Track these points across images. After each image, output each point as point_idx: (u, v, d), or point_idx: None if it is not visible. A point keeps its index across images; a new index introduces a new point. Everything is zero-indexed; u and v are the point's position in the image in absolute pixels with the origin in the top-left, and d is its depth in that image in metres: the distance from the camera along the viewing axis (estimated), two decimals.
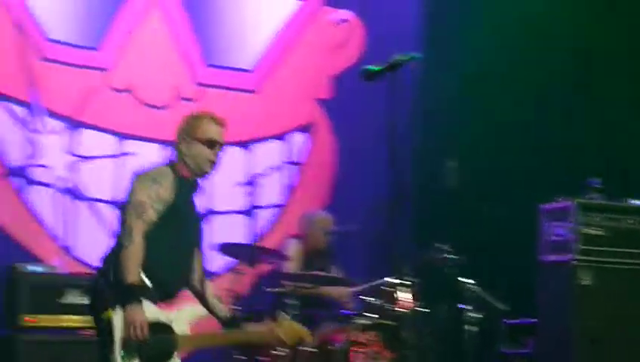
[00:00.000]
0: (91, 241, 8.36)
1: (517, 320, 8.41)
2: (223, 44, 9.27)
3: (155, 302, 5.01)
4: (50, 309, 6.99)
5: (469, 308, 7.99)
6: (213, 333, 5.46)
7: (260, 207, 7.90)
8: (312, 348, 7.38)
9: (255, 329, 5.38)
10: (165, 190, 5.04)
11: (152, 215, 4.97)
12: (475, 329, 7.96)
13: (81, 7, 8.58)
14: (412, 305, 7.61)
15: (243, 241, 8.05)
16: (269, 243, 8.70)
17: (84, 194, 8.44)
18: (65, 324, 7.02)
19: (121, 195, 8.34)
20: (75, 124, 8.45)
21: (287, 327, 5.28)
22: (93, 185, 8.50)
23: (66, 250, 8.29)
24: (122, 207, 5.12)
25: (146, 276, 4.97)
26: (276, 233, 9.03)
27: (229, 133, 8.91)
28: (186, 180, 5.23)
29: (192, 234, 5.34)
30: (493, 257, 8.35)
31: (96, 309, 4.96)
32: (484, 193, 8.72)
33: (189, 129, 5.29)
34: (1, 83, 8.14)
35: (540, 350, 8.01)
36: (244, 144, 9.16)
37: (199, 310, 5.33)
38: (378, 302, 7.62)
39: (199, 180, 5.33)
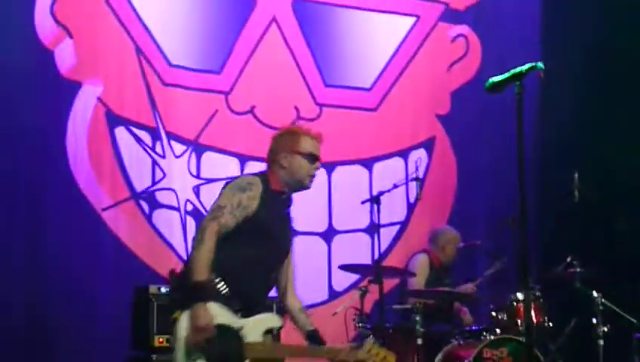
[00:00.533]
0: None
1: None
2: (341, 64, 9.32)
3: (234, 310, 5.01)
4: None
5: (599, 321, 7.87)
6: (287, 346, 5.47)
7: (383, 225, 7.86)
8: None
9: (335, 348, 5.30)
10: (249, 199, 5.05)
11: (228, 220, 4.97)
12: (603, 343, 7.83)
13: (201, 31, 8.72)
14: (540, 320, 7.55)
15: (364, 260, 8.07)
16: (391, 260, 8.72)
17: None
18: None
19: None
20: (198, 148, 8.58)
21: (370, 351, 5.16)
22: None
23: None
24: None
25: (225, 284, 5.00)
26: (398, 250, 9.02)
27: (351, 151, 9.07)
28: (277, 194, 5.25)
29: (280, 248, 5.33)
30: (623, 270, 8.19)
31: (170, 311, 4.98)
32: (613, 205, 8.56)
33: (290, 143, 5.29)
34: (126, 108, 8.32)
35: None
36: (365, 162, 9.19)
37: (274, 321, 5.27)
38: (505, 317, 7.58)
39: (292, 195, 5.36)
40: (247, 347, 5.03)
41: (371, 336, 5.77)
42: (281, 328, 5.33)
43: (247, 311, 5.09)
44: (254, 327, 5.09)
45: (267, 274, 5.26)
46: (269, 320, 5.23)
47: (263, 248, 5.14)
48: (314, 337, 5.32)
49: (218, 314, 4.91)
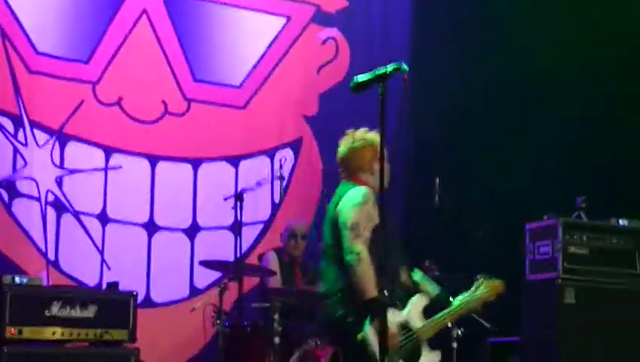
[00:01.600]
0: (77, 255, 8.39)
1: (500, 339, 8.42)
2: (211, 60, 9.29)
3: (396, 307, 5.44)
4: (34, 321, 6.94)
5: (453, 325, 8.02)
6: (441, 316, 5.74)
7: (246, 223, 7.88)
8: None
9: (469, 298, 5.86)
10: (372, 208, 5.35)
11: (367, 234, 5.29)
12: (456, 346, 7.98)
13: (70, 20, 8.59)
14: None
15: (228, 257, 8.06)
16: (254, 259, 8.72)
17: (71, 207, 8.42)
18: (49, 336, 6.96)
19: (109, 209, 8.51)
20: (62, 137, 8.45)
21: (489, 284, 5.83)
22: (80, 198, 8.48)
23: (52, 263, 8.28)
24: (333, 231, 5.46)
25: None
26: (261, 249, 9.03)
27: (218, 148, 9.05)
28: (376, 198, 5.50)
29: (394, 241, 5.54)
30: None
31: (342, 338, 5.41)
32: (473, 211, 8.72)
33: (374, 150, 5.56)
34: None
35: None
36: (231, 160, 9.17)
37: (419, 299, 5.66)
38: None
39: None
40: (421, 333, 5.51)
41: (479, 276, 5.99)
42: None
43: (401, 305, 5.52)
44: (415, 313, 5.53)
45: (396, 266, 5.59)
46: (418, 302, 5.64)
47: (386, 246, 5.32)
48: (445, 297, 5.83)
49: (390, 316, 5.07)
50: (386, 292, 4.95)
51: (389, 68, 4.44)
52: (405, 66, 4.42)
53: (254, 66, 9.46)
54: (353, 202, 5.40)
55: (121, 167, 8.65)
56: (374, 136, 5.66)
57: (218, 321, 7.42)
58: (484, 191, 9.24)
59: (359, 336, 5.17)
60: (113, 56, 8.72)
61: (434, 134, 9.63)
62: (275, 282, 8.04)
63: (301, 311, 8.03)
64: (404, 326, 5.42)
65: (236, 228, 7.53)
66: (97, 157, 8.61)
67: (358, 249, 5.23)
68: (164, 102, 8.91)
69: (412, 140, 9.52)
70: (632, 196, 8.53)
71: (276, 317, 7.42)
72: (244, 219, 7.60)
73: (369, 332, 5.15)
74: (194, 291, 8.81)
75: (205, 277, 8.65)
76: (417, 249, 9.02)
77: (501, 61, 9.41)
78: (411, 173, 9.57)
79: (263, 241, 9.20)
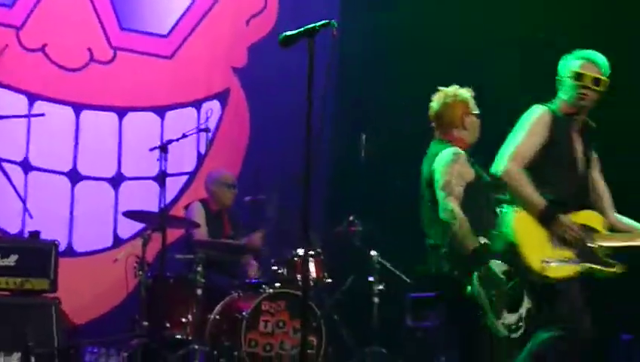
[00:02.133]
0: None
1: (420, 294, 8.52)
2: (139, 8, 9.18)
3: None
4: None
5: (375, 279, 8.11)
6: None
7: (171, 174, 7.84)
8: (218, 315, 7.43)
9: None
10: (463, 166, 5.58)
11: (458, 190, 5.49)
12: (378, 300, 8.07)
13: None
14: (320, 275, 7.71)
15: (152, 208, 8.02)
16: (178, 210, 8.69)
17: None
18: None
19: (32, 157, 8.41)
20: None
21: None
22: (2, 145, 8.38)
23: None
24: (430, 190, 5.61)
25: None
26: (186, 200, 8.99)
27: (144, 98, 8.97)
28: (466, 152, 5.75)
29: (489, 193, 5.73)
30: (400, 231, 8.39)
31: (450, 292, 5.52)
32: (398, 166, 8.77)
33: (466, 106, 5.80)
34: None
35: (442, 323, 8.13)
36: (157, 110, 9.10)
37: None
38: (285, 271, 7.69)
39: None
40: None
41: None
42: None
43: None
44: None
45: (492, 219, 5.70)
46: None
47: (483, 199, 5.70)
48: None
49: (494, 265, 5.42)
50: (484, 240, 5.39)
51: (319, 24, 4.45)
52: (334, 22, 4.42)
53: (182, 16, 9.37)
54: (444, 161, 5.58)
55: (44, 114, 8.52)
56: (465, 92, 5.87)
57: (140, 272, 7.41)
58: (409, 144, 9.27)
59: (468, 289, 5.33)
60: (38, 1, 8.57)
61: (362, 88, 9.62)
62: (201, 234, 8.02)
63: (225, 263, 8.05)
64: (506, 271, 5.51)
65: (161, 178, 7.50)
66: (20, 103, 8.48)
67: (451, 206, 5.42)
68: (89, 49, 8.80)
69: (339, 95, 9.51)
70: None
71: (199, 269, 7.43)
72: (169, 170, 7.56)
73: (477, 285, 5.31)
74: (117, 241, 8.77)
75: (129, 227, 8.60)
76: (342, 204, 9.13)
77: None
78: (337, 129, 9.56)
79: (187, 192, 9.17)
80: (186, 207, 8.37)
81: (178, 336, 7.43)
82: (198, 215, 8.13)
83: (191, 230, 8.05)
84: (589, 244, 5.46)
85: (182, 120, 9.06)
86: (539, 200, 5.44)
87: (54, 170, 8.59)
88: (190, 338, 7.38)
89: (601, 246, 5.51)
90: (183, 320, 7.44)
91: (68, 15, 8.69)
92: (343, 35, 7.82)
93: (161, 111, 9.14)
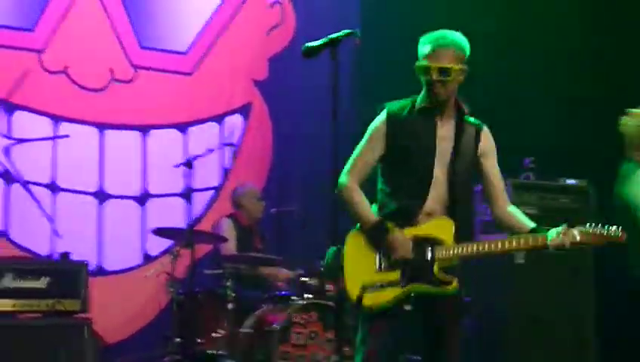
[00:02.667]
0: (28, 225, 8.33)
1: None
2: (158, 26, 9.22)
3: None
4: None
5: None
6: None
7: (197, 190, 7.86)
8: (250, 328, 7.44)
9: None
10: None
11: None
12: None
13: None
14: None
15: (179, 224, 8.04)
16: (205, 225, 8.71)
17: (20, 177, 8.35)
18: (1, 308, 6.92)
19: (59, 178, 8.45)
20: (9, 107, 8.37)
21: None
22: (29, 168, 8.42)
23: (3, 234, 8.23)
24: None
25: None
26: (212, 215, 9.02)
27: (166, 115, 9.00)
28: None
29: None
30: None
31: None
32: None
33: None
34: None
35: (473, 328, 8.09)
36: (180, 126, 9.13)
37: None
38: (317, 283, 7.69)
39: None
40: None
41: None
42: None
43: None
44: None
45: None
46: None
47: None
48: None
49: None
50: None
51: (342, 33, 4.45)
52: (357, 32, 4.42)
53: (200, 32, 9.41)
54: None
55: (68, 135, 8.58)
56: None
57: (171, 289, 7.43)
58: None
59: None
60: (59, 24, 8.63)
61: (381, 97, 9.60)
62: (228, 248, 8.03)
63: (254, 276, 8.05)
64: None
65: (187, 194, 7.52)
66: (45, 126, 8.54)
67: None
68: (110, 69, 8.85)
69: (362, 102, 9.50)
70: (578, 156, 8.61)
71: (229, 283, 7.44)
72: (194, 186, 7.58)
73: None
74: (147, 258, 8.80)
75: (158, 244, 8.63)
76: None
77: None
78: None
79: (214, 207, 9.19)
80: (214, 225, 8.37)
81: (210, 352, 7.44)
82: (228, 231, 8.14)
83: (218, 245, 8.07)
84: (418, 260, 4.83)
85: (204, 135, 9.10)
86: (367, 217, 4.94)
87: (81, 190, 8.64)
88: (222, 353, 7.40)
89: (440, 260, 4.83)
90: (215, 335, 7.46)
91: (88, 36, 8.74)
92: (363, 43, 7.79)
93: (183, 127, 9.18)
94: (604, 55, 8.94)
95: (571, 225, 4.77)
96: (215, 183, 9.26)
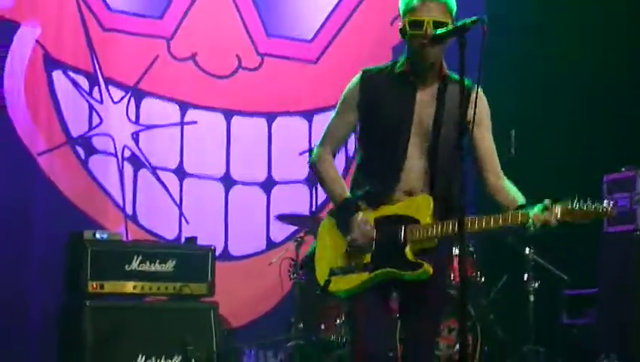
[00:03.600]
0: (155, 209, 8.48)
1: (577, 291, 8.37)
2: (283, 15, 9.28)
3: None
4: (115, 276, 7.05)
5: (530, 277, 7.98)
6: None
7: None
8: None
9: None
10: None
11: None
12: (533, 298, 7.94)
13: None
14: (473, 274, 7.63)
15: (304, 211, 8.08)
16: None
17: (148, 162, 8.51)
18: (129, 291, 7.07)
19: (186, 164, 8.58)
20: (137, 93, 8.52)
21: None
22: (157, 154, 8.57)
23: (131, 218, 8.39)
24: None
25: None
26: None
27: (291, 102, 9.05)
28: None
29: None
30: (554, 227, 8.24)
31: None
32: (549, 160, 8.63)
33: None
34: (64, 52, 8.21)
35: (601, 320, 7.97)
36: (305, 114, 9.18)
37: None
38: None
39: None
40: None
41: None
42: None
43: None
44: None
45: None
46: None
47: None
48: None
49: None
50: None
51: (469, 20, 4.35)
52: (485, 18, 4.31)
53: (326, 20, 9.43)
54: None
55: (196, 122, 8.71)
56: None
57: (295, 275, 7.48)
58: (558, 143, 9.13)
59: None
60: (187, 12, 8.74)
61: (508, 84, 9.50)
62: None
63: None
64: None
65: (311, 181, 7.53)
66: (173, 112, 8.68)
67: None
68: (237, 56, 8.93)
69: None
70: None
71: None
72: None
73: None
74: (270, 244, 8.87)
75: (282, 230, 8.70)
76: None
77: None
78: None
79: None
80: None
81: (332, 338, 7.46)
82: None
83: None
84: (389, 243, 4.47)
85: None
86: (338, 195, 4.61)
87: (208, 175, 8.76)
88: (345, 339, 7.41)
89: (413, 241, 4.44)
90: (337, 321, 7.47)
91: (216, 24, 8.83)
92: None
93: (308, 115, 9.21)
94: None
95: (555, 201, 4.36)
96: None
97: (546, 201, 4.38)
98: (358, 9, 9.53)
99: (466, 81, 4.35)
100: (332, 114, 4.77)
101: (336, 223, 4.61)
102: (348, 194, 4.60)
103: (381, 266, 4.48)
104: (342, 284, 4.54)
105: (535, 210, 4.36)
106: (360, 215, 4.50)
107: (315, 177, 4.74)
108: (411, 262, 4.45)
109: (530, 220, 4.34)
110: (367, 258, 4.50)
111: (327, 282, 4.55)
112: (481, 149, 4.61)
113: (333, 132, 4.72)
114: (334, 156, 4.73)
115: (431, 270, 4.44)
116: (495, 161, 4.61)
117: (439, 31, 4.47)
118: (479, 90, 4.47)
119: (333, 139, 4.71)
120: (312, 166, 4.73)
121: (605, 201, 4.43)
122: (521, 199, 4.52)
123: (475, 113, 4.34)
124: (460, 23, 4.36)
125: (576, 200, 4.37)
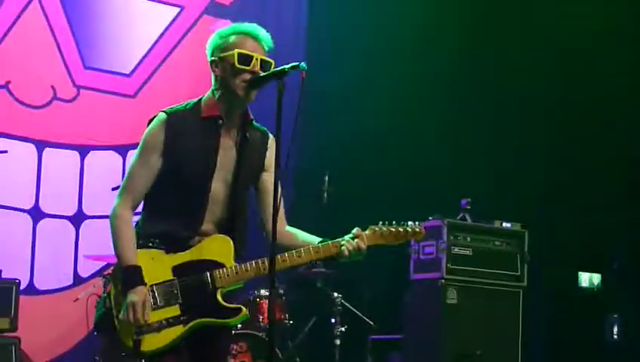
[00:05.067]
0: None
1: (383, 336, 8.53)
2: (102, 47, 9.17)
3: None
4: None
5: (337, 321, 8.10)
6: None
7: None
8: None
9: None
10: None
11: None
12: (339, 342, 8.06)
13: None
14: (281, 317, 7.69)
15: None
16: None
17: None
18: None
19: None
20: None
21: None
22: None
23: None
24: None
25: None
26: None
27: (106, 136, 8.94)
28: None
29: None
30: (362, 274, 8.40)
31: None
32: (360, 208, 8.80)
33: None
34: None
35: None
36: (119, 149, 9.07)
37: None
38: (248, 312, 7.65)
39: None
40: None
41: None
42: None
43: None
44: None
45: None
46: None
47: None
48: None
49: None
50: None
51: (288, 66, 4.41)
52: (304, 65, 4.37)
53: (145, 55, 9.37)
54: None
55: (6, 151, 8.48)
56: None
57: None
58: (372, 188, 9.31)
59: None
60: (2, 38, 8.55)
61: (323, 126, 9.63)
62: None
63: None
64: None
65: None
66: None
67: None
68: (53, 87, 8.78)
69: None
70: (515, 200, 8.73)
71: None
72: None
73: None
74: (78, 280, 8.70)
75: (90, 266, 8.55)
76: None
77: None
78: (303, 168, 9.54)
79: None
80: None
81: None
82: None
83: None
84: (198, 290, 4.40)
85: None
86: (127, 257, 4.39)
87: (16, 207, 8.54)
88: None
89: (222, 286, 4.41)
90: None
91: (32, 53, 8.67)
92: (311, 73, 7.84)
93: (123, 149, 9.10)
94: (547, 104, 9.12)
95: (364, 228, 4.55)
96: None
97: (355, 230, 4.55)
98: (180, 44, 9.51)
99: (262, 128, 4.62)
100: (132, 159, 4.63)
101: (120, 285, 4.40)
102: (135, 261, 4.38)
103: (196, 317, 4.39)
104: (156, 342, 4.35)
105: (346, 238, 4.53)
106: (143, 290, 4.34)
107: (110, 231, 4.47)
108: (226, 308, 4.43)
109: (344, 248, 4.50)
110: (176, 310, 4.39)
111: (138, 342, 4.31)
112: (267, 196, 4.59)
113: (135, 181, 4.53)
114: (134, 208, 4.53)
115: (247, 313, 4.50)
116: (281, 206, 4.47)
117: (263, 74, 4.51)
118: (273, 138, 4.57)
119: (135, 189, 4.51)
120: (110, 220, 4.49)
121: (410, 222, 4.64)
122: (316, 238, 4.62)
123: (275, 159, 4.28)
124: (278, 68, 4.42)
125: (380, 223, 4.57)
